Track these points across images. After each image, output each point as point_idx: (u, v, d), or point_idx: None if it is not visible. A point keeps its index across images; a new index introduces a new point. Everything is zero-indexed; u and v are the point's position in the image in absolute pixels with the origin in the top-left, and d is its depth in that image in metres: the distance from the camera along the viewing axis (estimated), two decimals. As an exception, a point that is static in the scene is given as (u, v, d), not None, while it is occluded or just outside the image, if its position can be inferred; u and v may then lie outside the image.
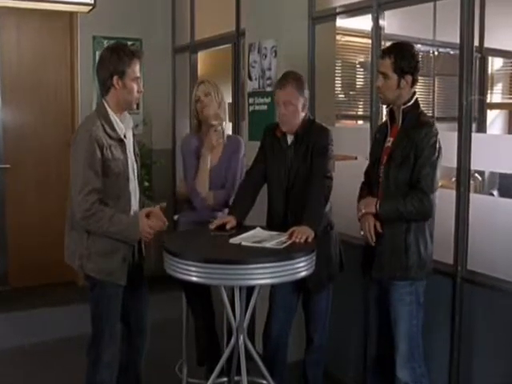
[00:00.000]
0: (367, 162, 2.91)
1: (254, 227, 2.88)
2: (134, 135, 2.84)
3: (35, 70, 5.29)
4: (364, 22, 3.77)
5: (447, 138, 2.73)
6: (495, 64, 5.80)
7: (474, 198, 2.86)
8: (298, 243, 2.64)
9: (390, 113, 2.74)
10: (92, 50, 5.26)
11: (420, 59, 2.67)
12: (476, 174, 4.11)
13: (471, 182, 2.91)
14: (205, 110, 3.29)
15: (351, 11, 3.57)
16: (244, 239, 2.67)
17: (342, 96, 5.36)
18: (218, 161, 3.34)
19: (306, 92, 2.95)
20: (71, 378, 3.33)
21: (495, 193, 4.50)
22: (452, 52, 5.03)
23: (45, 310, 4.72)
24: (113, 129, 2.65)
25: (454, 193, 2.85)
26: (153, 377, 3.23)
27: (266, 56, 3.82)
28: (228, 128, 4.22)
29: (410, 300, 2.62)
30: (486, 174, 4.44)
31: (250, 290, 2.71)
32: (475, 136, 2.82)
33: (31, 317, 4.62)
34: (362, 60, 5.29)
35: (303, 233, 2.68)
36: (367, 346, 3.30)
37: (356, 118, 5.58)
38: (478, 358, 2.76)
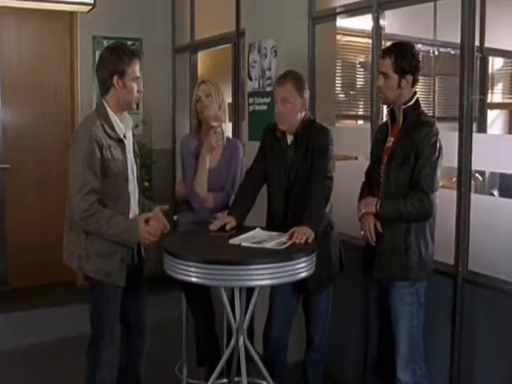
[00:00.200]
0: (368, 162, 2.91)
1: (253, 228, 2.88)
2: (133, 135, 2.83)
3: (35, 69, 5.29)
4: (364, 22, 3.76)
5: (448, 137, 2.72)
6: (495, 64, 5.80)
7: (474, 198, 2.85)
8: (299, 244, 2.63)
9: (391, 113, 2.73)
10: (92, 50, 5.26)
11: (420, 59, 2.67)
12: (476, 174, 4.09)
13: (472, 182, 2.90)
14: (205, 111, 3.29)
15: (351, 11, 3.57)
16: (244, 240, 2.67)
17: (343, 96, 5.35)
18: (218, 163, 3.33)
19: (306, 92, 2.94)
20: (71, 378, 3.32)
21: (495, 193, 4.49)
22: (452, 52, 5.02)
23: (44, 310, 4.72)
24: (112, 129, 2.64)
25: (454, 193, 2.84)
26: (153, 377, 3.22)
27: (266, 56, 3.81)
28: (228, 128, 4.22)
29: (410, 300, 2.61)
30: (487, 174, 4.43)
31: (249, 290, 2.70)
32: (476, 136, 2.81)
33: (31, 317, 4.62)
34: (362, 60, 5.28)
35: (303, 233, 2.67)
36: (367, 346, 3.29)
37: (356, 117, 5.57)
38: (479, 359, 2.76)
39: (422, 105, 2.70)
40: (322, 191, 2.85)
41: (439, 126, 2.60)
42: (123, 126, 2.70)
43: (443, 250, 2.79)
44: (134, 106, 2.79)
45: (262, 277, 2.43)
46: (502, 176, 4.40)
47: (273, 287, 2.99)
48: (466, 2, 2.75)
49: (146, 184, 4.97)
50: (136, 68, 2.66)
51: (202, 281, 2.47)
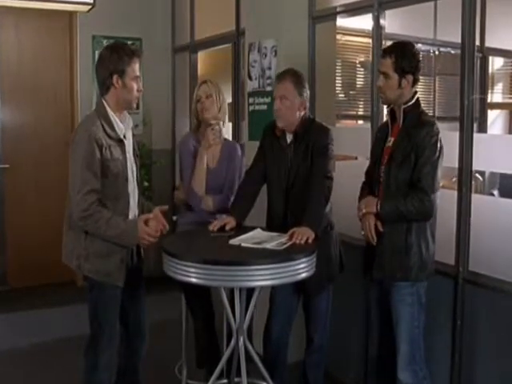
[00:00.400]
0: (368, 162, 2.90)
1: (253, 228, 2.87)
2: (133, 135, 2.82)
3: (34, 69, 5.28)
4: (364, 22, 3.75)
5: (448, 137, 2.71)
6: (495, 64, 5.79)
7: (475, 198, 2.84)
8: (299, 244, 2.63)
9: (391, 112, 2.73)
10: (91, 50, 5.25)
11: (421, 59, 2.66)
12: (477, 175, 4.09)
13: (472, 182, 2.89)
14: (205, 113, 3.28)
15: (352, 10, 3.56)
16: (244, 240, 2.66)
17: (343, 96, 5.34)
18: (217, 163, 3.33)
19: (306, 91, 2.94)
20: (71, 379, 3.31)
21: (495, 193, 4.49)
22: (453, 51, 5.02)
23: (44, 310, 4.72)
24: (112, 129, 2.63)
25: (455, 193, 2.83)
26: (152, 378, 3.22)
27: (266, 55, 3.81)
28: (228, 128, 4.21)
29: (411, 301, 2.60)
30: (487, 174, 4.43)
31: (249, 291, 2.69)
32: (476, 136, 2.80)
33: (30, 317, 4.61)
34: (362, 60, 5.27)
35: (303, 234, 2.67)
36: (368, 347, 3.29)
37: (356, 117, 5.56)
38: (480, 359, 2.75)
39: (422, 104, 2.69)
40: (322, 191, 2.85)
41: (439, 125, 2.59)
42: (123, 126, 2.69)
43: (444, 250, 2.78)
44: (134, 106, 2.77)
45: (263, 277, 2.42)
46: (502, 176, 4.40)
47: (273, 288, 2.98)
48: (467, 1, 2.74)
49: (146, 184, 4.96)
50: (136, 67, 2.65)
51: (201, 281, 2.46)
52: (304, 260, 2.52)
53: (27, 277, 5.19)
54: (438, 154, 2.54)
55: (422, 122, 2.59)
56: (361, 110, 5.45)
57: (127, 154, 2.70)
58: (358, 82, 5.49)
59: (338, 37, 4.45)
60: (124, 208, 2.66)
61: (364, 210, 2.65)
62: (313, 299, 3.00)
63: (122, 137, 2.67)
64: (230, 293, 2.78)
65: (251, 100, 3.98)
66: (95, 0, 4.91)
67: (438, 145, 2.54)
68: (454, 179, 2.93)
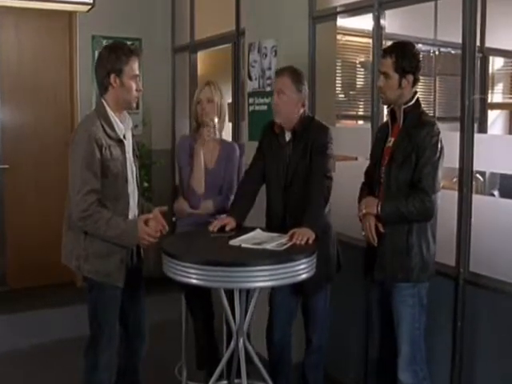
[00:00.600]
0: (368, 163, 2.89)
1: (253, 229, 2.86)
2: (133, 136, 2.81)
3: (34, 69, 5.26)
4: (365, 22, 3.74)
5: (449, 138, 2.70)
6: (496, 64, 5.79)
7: (475, 198, 2.83)
8: (299, 245, 2.62)
9: (391, 113, 2.72)
10: (91, 50, 5.24)
11: (421, 59, 2.65)
12: (477, 175, 4.08)
13: (473, 182, 2.88)
14: (205, 116, 3.26)
15: (352, 10, 3.55)
16: (244, 241, 2.65)
17: (343, 96, 5.33)
18: (215, 163, 3.32)
19: (304, 88, 2.93)
20: (71, 379, 3.30)
21: (496, 193, 4.49)
22: (453, 51, 5.02)
23: (44, 310, 4.70)
24: (112, 129, 2.62)
25: (455, 194, 2.82)
26: (152, 379, 3.22)
27: (266, 56, 3.80)
28: (228, 128, 4.20)
29: (412, 302, 2.59)
30: (487, 175, 4.42)
31: (248, 292, 2.68)
32: (477, 136, 2.79)
33: (30, 317, 4.60)
34: (362, 60, 5.27)
35: (304, 234, 2.66)
36: (368, 347, 3.28)
37: (356, 118, 5.56)
38: (481, 360, 2.74)
39: (422, 105, 2.69)
40: (321, 191, 2.84)
41: (440, 126, 2.59)
42: (123, 127, 2.68)
43: (444, 251, 2.77)
44: (134, 106, 2.76)
45: (263, 278, 2.41)
46: (503, 176, 4.40)
47: (272, 289, 2.97)
48: (468, 1, 2.73)
49: (146, 184, 4.95)
50: (134, 66, 2.63)
51: (202, 282, 2.45)
52: (304, 261, 2.51)
53: (27, 277, 5.18)
54: (438, 154, 2.53)
55: (423, 123, 2.58)
56: (361, 110, 5.45)
57: (127, 155, 2.69)
58: (358, 82, 5.48)
59: (339, 37, 4.44)
60: (124, 208, 2.66)
61: (364, 211, 2.64)
62: (311, 300, 2.99)
63: (121, 137, 2.66)
64: (230, 294, 2.77)
65: (251, 100, 3.98)
66: (95, 0, 4.90)
67: (439, 145, 2.53)
68: (455, 180, 2.92)
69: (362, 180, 2.86)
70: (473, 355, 2.76)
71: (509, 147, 2.75)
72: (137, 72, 2.65)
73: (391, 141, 2.67)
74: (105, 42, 4.90)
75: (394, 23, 3.74)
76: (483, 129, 4.91)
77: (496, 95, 5.93)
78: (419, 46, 4.48)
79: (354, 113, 5.51)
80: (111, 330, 2.70)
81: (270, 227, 2.95)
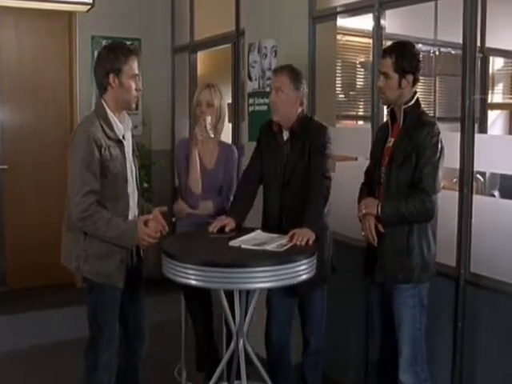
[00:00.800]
0: (367, 163, 2.88)
1: (253, 229, 2.85)
2: (132, 136, 2.81)
3: (34, 69, 5.26)
4: (365, 22, 3.74)
5: (449, 138, 2.70)
6: (496, 64, 5.78)
7: (476, 199, 2.83)
8: (299, 246, 2.61)
9: (391, 113, 2.72)
10: (91, 50, 5.24)
11: (421, 59, 2.65)
12: (478, 175, 4.08)
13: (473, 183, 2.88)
14: (203, 119, 3.25)
15: (352, 10, 3.54)
16: (244, 242, 2.64)
17: (343, 96, 5.33)
18: (214, 164, 3.32)
19: (303, 87, 2.93)
20: (71, 379, 3.29)
21: (496, 194, 4.48)
22: (453, 52, 5.01)
23: (43, 311, 4.70)
24: (112, 129, 2.62)
25: (455, 194, 2.82)
26: (151, 380, 3.21)
27: (266, 56, 3.79)
28: (228, 128, 4.19)
29: (413, 303, 2.59)
30: (487, 175, 4.42)
31: (249, 293, 2.67)
32: (477, 137, 2.79)
33: (30, 318, 4.59)
34: (362, 60, 5.26)
35: (304, 235, 2.66)
36: (368, 349, 3.27)
37: (356, 118, 5.55)
38: (481, 361, 2.74)
39: (422, 105, 2.68)
40: (321, 192, 2.83)
41: (440, 126, 2.58)
42: (122, 127, 2.67)
43: (445, 251, 2.76)
44: (134, 106, 2.75)
45: (263, 279, 2.40)
46: (503, 177, 4.39)
47: (270, 290, 2.96)
48: (468, 1, 2.73)
49: (146, 185, 4.95)
50: (134, 65, 2.62)
51: (201, 283, 2.44)
52: (304, 262, 2.50)
53: (27, 278, 5.17)
54: (438, 154, 2.52)
55: (423, 123, 2.58)
56: (361, 110, 5.44)
57: (126, 155, 2.68)
58: (358, 83, 5.48)
59: (339, 37, 4.44)
60: (124, 209, 2.65)
61: (364, 211, 2.63)
62: (307, 302, 2.98)
63: (121, 137, 2.66)
64: (230, 295, 2.76)
65: (251, 101, 3.97)
66: (94, 0, 4.89)
67: (439, 145, 2.53)
68: (455, 180, 2.91)
69: (361, 180, 2.86)
70: (473, 356, 2.76)
71: (509, 147, 2.74)
72: (136, 72, 2.64)
73: (391, 141, 2.66)
74: (104, 42, 4.88)
75: (394, 23, 3.74)
76: (483, 129, 4.91)
77: (496, 95, 5.93)
78: (419, 46, 4.47)
79: (354, 113, 5.50)
80: (111, 331, 2.69)
81: (266, 227, 2.94)
